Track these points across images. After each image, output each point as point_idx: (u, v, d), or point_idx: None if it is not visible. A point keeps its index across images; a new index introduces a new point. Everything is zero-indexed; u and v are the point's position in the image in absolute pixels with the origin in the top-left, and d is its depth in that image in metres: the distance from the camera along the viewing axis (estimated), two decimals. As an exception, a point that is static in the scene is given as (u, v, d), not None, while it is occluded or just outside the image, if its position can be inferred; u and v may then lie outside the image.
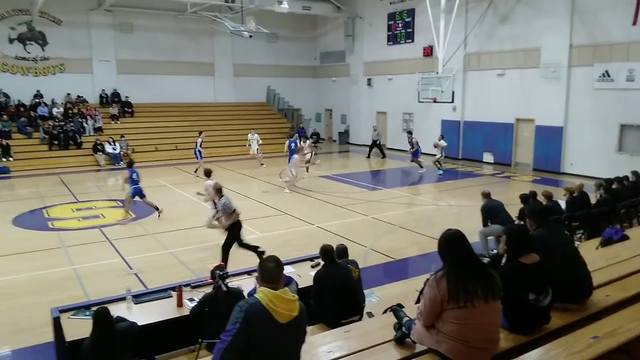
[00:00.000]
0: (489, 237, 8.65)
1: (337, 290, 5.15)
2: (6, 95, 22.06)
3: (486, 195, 8.83)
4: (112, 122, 23.10)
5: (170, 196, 14.75)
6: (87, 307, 5.12)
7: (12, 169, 18.89)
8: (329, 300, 5.12)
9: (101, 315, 4.24)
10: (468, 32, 20.25)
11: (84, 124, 22.11)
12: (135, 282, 7.75)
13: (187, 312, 5.19)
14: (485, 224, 8.60)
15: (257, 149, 20.17)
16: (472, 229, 8.15)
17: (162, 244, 10.03)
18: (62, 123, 21.48)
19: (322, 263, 5.57)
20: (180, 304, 5.30)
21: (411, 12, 23.47)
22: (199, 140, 18.57)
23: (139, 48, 24.79)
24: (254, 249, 8.24)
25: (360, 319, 5.20)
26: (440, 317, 3.29)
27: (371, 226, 11.35)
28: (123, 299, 5.31)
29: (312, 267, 6.49)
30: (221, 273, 4.91)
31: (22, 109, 21.94)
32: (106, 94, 24.16)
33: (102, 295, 6.76)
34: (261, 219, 11.83)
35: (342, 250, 5.83)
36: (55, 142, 20.71)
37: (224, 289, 4.79)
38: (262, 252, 8.00)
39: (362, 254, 8.99)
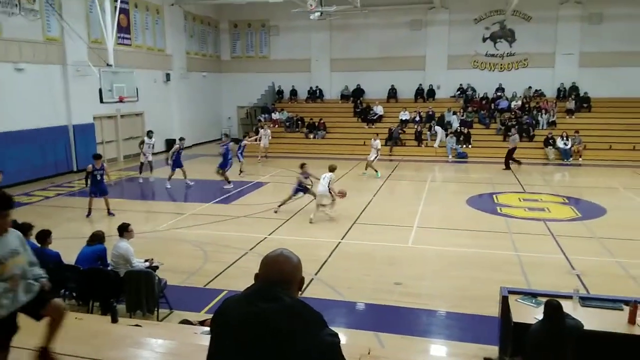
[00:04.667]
0: None
1: None
2: (473, 89, 24.90)
3: None
4: (567, 117, 22.53)
5: (623, 201, 13.36)
6: (534, 295, 5.31)
7: (469, 154, 21.28)
8: None
9: (554, 307, 4.33)
10: None
11: (539, 117, 22.49)
12: (576, 283, 7.49)
13: (639, 332, 4.69)
14: None
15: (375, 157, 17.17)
16: None
17: (609, 251, 9.25)
18: (518, 116, 22.52)
19: None
20: (632, 321, 4.81)
21: None
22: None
23: (605, 39, 22.99)
24: None
25: None
26: None
27: None
28: (569, 297, 5.24)
29: None
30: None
31: (484, 102, 24.28)
32: (564, 88, 23.77)
33: (541, 286, 6.89)
34: None
35: None
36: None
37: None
38: None
39: None
